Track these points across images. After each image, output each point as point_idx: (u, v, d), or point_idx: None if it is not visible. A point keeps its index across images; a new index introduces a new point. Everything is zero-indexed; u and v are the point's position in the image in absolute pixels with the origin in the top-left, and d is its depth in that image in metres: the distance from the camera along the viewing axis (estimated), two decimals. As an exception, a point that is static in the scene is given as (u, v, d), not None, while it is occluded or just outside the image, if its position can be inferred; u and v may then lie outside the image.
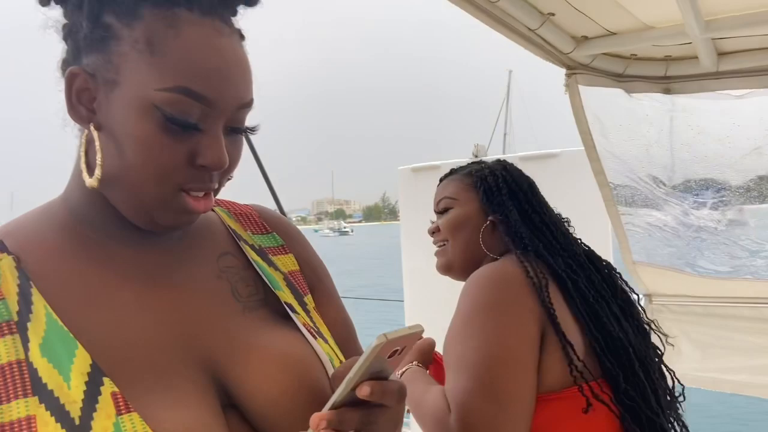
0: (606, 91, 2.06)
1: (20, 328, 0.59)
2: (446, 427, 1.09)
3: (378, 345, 0.56)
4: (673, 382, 1.31)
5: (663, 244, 2.55)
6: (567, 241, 1.33)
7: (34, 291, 0.61)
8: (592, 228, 2.74)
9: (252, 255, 0.77)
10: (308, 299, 0.80)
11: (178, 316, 0.67)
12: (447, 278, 1.42)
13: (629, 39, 1.83)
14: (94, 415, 0.56)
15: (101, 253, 0.66)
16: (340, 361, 0.74)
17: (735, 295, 2.47)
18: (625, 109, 2.12)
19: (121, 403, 0.57)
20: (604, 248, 2.68)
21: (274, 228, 0.83)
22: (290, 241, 0.84)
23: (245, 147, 0.72)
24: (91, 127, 0.63)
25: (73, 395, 0.56)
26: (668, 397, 1.27)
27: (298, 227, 0.88)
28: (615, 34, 1.84)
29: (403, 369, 1.30)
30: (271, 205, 2.07)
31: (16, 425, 0.55)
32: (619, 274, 1.36)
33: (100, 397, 0.57)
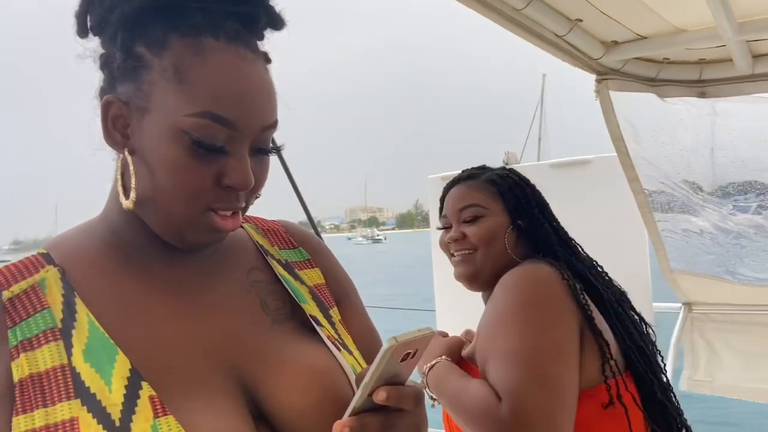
0: (638, 96, 2.03)
1: (64, 334, 0.63)
2: (495, 416, 1.07)
3: (389, 348, 0.57)
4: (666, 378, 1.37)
5: (702, 251, 2.49)
6: (577, 247, 1.39)
7: (78, 301, 0.65)
8: (629, 236, 2.69)
9: (279, 269, 0.80)
10: (334, 312, 0.82)
11: (211, 329, 0.69)
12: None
13: (661, 43, 1.81)
14: (133, 417, 0.59)
15: (138, 268, 0.70)
16: None
17: (778, 302, 2.40)
18: (658, 113, 2.08)
19: (158, 407, 0.60)
20: (641, 256, 2.64)
21: (300, 243, 0.86)
22: (316, 255, 0.86)
23: (276, 160, 0.74)
24: (126, 152, 0.66)
25: (113, 398, 0.59)
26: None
27: (332, 235, 0.89)
28: (646, 38, 1.82)
29: (432, 363, 1.28)
30: (301, 215, 2.10)
31: (60, 426, 0.57)
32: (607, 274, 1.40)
33: (138, 401, 0.60)
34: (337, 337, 0.78)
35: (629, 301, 1.37)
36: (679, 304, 2.75)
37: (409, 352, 0.59)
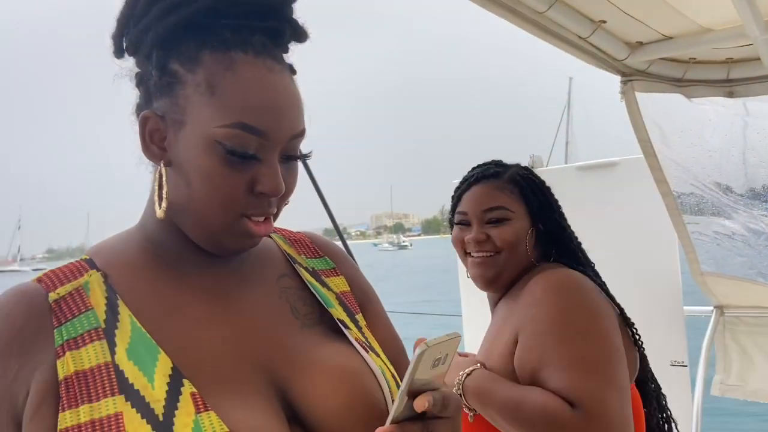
0: (664, 96, 2.01)
1: (107, 334, 0.66)
2: (570, 424, 1.06)
3: (422, 352, 0.58)
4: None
5: (733, 254, 2.44)
6: (583, 250, 1.42)
7: (121, 303, 0.68)
8: (658, 238, 2.64)
9: (306, 276, 0.83)
10: (359, 317, 0.84)
11: (244, 332, 0.72)
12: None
13: (687, 42, 1.79)
14: (176, 412, 0.61)
15: (176, 273, 0.74)
16: (392, 374, 0.77)
17: (814, 305, 2.33)
18: (685, 114, 2.05)
19: (199, 403, 0.62)
20: (671, 259, 2.58)
21: (325, 252, 0.89)
22: (340, 264, 0.89)
23: (302, 169, 0.77)
24: (162, 164, 0.70)
25: (156, 395, 0.62)
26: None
27: (358, 241, 0.91)
28: (671, 38, 1.80)
29: (468, 370, 1.24)
30: (327, 223, 2.11)
31: (105, 421, 0.60)
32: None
33: (180, 397, 0.62)
34: (364, 339, 0.79)
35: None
36: (711, 308, 2.70)
37: (439, 358, 0.61)
